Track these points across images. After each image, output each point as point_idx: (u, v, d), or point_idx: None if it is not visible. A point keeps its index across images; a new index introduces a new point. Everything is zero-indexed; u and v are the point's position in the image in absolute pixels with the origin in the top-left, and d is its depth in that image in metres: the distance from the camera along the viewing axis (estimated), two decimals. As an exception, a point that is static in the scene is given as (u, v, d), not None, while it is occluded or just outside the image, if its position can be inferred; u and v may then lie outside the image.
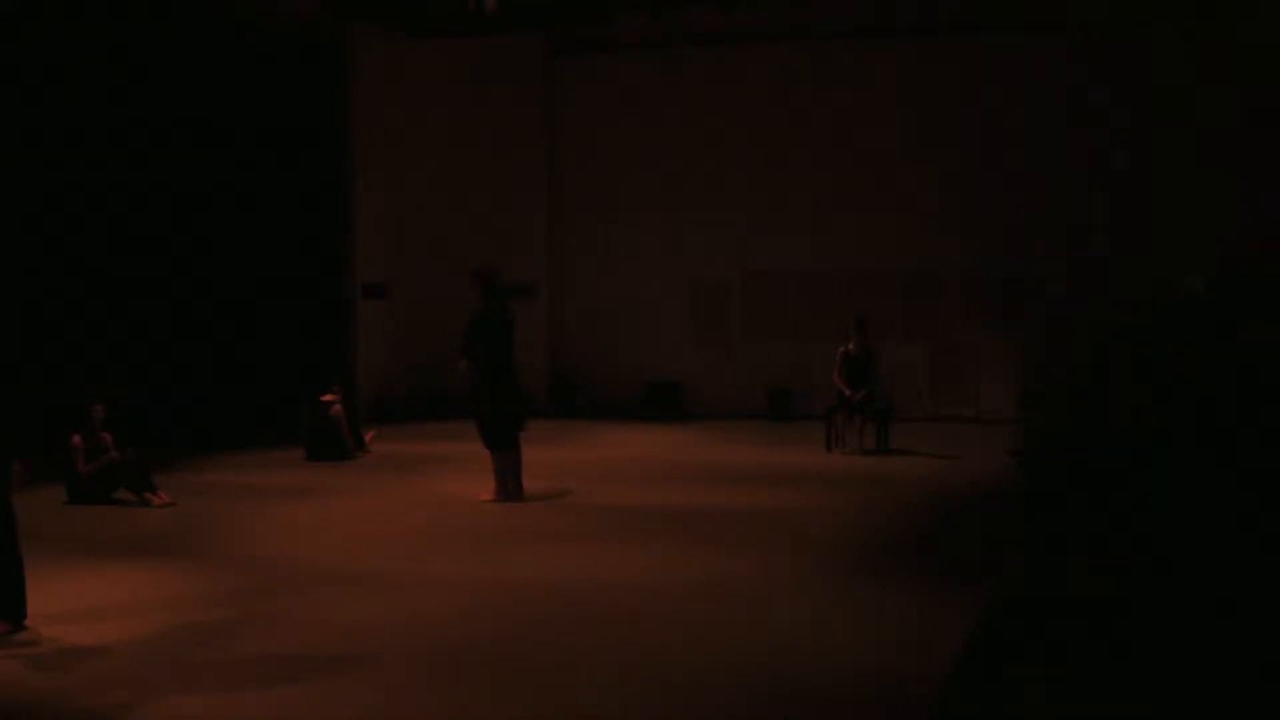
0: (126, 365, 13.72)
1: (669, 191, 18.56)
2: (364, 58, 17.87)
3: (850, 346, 14.29)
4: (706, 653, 6.37)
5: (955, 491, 11.49)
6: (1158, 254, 16.06)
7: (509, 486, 10.78)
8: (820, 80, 18.01)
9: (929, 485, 11.84)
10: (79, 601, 7.38)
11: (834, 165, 17.94)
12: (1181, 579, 5.96)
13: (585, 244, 19.01)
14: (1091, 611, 5.48)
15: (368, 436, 14.23)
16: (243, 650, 6.45)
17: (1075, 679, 4.76)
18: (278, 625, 6.95)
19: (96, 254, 13.87)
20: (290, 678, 6.00)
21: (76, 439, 10.76)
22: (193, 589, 7.76)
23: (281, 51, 16.23)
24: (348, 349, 17.62)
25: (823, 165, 17.98)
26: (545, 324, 18.80)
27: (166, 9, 14.53)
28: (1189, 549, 6.36)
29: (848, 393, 14.09)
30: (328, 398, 13.71)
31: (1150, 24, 16.59)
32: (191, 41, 14.93)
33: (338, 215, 17.62)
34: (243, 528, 9.80)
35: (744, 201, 18.28)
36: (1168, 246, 16.08)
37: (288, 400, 14.38)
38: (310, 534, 9.63)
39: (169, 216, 14.83)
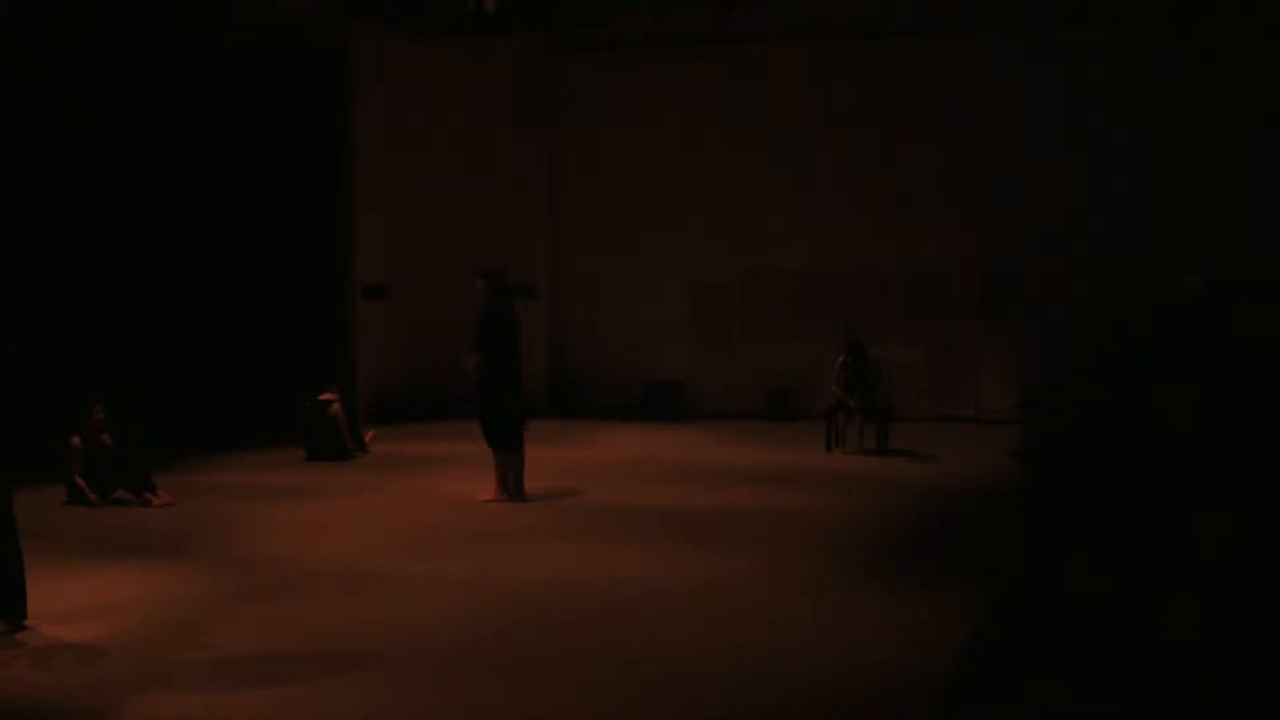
0: (126, 365, 13.71)
1: (669, 191, 18.55)
2: (364, 58, 17.86)
3: (848, 358, 14.32)
4: (706, 653, 6.37)
5: (955, 491, 11.50)
6: (1158, 254, 16.07)
7: (509, 486, 10.79)
8: (820, 80, 18.00)
9: (929, 485, 11.84)
10: (79, 601, 7.38)
11: (834, 165, 17.93)
12: (1182, 579, 5.96)
13: (585, 244, 18.99)
14: (1091, 611, 5.48)
15: (368, 436, 14.23)
16: (243, 650, 6.45)
17: (1075, 679, 4.76)
18: (277, 625, 6.95)
19: (96, 253, 13.86)
20: (290, 678, 6.00)
21: (76, 440, 10.75)
22: (193, 589, 7.76)
23: (281, 52, 16.22)
24: (348, 349, 17.61)
25: (823, 165, 17.97)
26: (545, 324, 18.78)
27: (166, 9, 14.52)
28: (1189, 549, 6.35)
29: (849, 403, 14.09)
30: (326, 397, 13.72)
31: (1150, 25, 16.60)
32: (191, 41, 14.93)
33: (338, 215, 17.61)
34: (243, 528, 9.80)
35: (744, 201, 18.27)
36: (1168, 246, 16.09)
37: (287, 400, 14.37)
38: (310, 534, 9.63)
39: (169, 216, 14.83)
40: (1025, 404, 15.43)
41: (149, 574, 8.18)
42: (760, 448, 14.69)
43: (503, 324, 10.59)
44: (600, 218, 18.89)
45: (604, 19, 18.55)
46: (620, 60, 18.82)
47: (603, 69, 18.90)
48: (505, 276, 10.88)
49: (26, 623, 6.71)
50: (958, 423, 16.99)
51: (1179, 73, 16.42)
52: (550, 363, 18.82)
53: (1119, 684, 4.69)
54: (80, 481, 10.72)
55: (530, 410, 11.50)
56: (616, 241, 18.82)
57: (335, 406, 13.64)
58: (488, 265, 11.18)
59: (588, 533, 9.59)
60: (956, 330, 17.68)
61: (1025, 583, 6.64)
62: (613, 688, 5.85)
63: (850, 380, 14.17)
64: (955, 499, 11.14)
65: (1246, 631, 5.14)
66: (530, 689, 5.84)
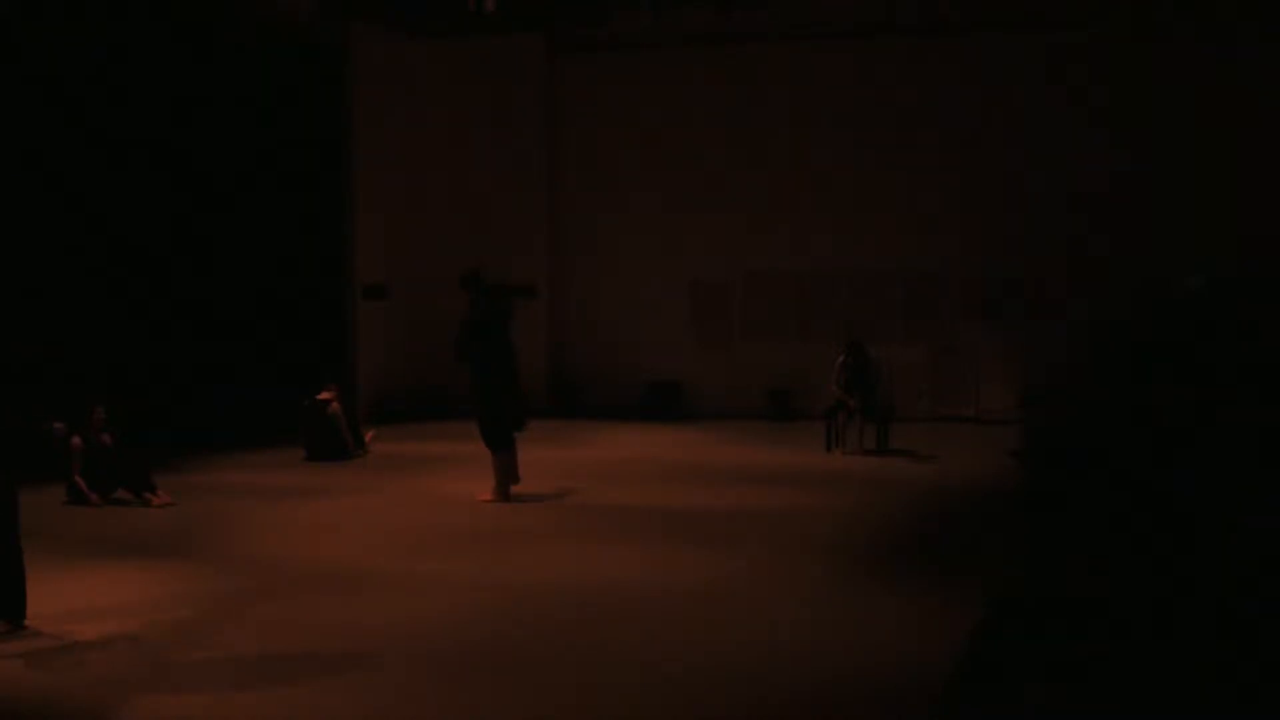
0: (126, 365, 13.71)
1: (669, 191, 18.55)
2: (364, 58, 17.85)
3: (848, 358, 14.32)
4: (706, 653, 6.37)
5: (955, 491, 11.49)
6: (1158, 254, 16.06)
7: (509, 486, 10.80)
8: (820, 80, 17.99)
9: (929, 485, 11.84)
10: (79, 601, 7.38)
11: (834, 165, 17.92)
12: (1181, 579, 5.96)
13: (585, 244, 18.99)
14: (1091, 611, 5.48)
15: (368, 436, 14.23)
16: (243, 650, 6.45)
17: (1075, 679, 4.76)
18: (277, 625, 6.95)
19: (96, 254, 13.86)
20: (290, 678, 6.00)
21: (76, 441, 10.74)
22: (193, 589, 7.76)
23: (281, 52, 16.21)
24: (348, 349, 17.61)
25: (823, 165, 17.96)
26: (545, 324, 18.78)
27: (167, 9, 14.53)
28: (1189, 549, 6.36)
29: (850, 403, 14.08)
30: (324, 396, 13.72)
31: (1150, 24, 16.59)
32: (192, 42, 14.93)
33: (337, 215, 17.61)
34: (243, 528, 9.80)
35: (744, 201, 18.26)
36: (1168, 246, 16.09)
37: (287, 400, 14.37)
38: (310, 534, 9.64)
39: (169, 216, 14.82)
40: (1025, 404, 15.44)
41: (149, 574, 8.18)
42: (760, 448, 14.69)
43: (490, 323, 10.61)
44: (600, 218, 18.89)
45: (604, 19, 18.55)
46: (620, 60, 18.81)
47: (603, 69, 18.90)
48: (481, 275, 10.96)
49: (26, 623, 6.71)
50: (958, 423, 16.99)
51: (1179, 73, 16.41)
52: (550, 363, 18.82)
53: (1119, 684, 4.69)
54: (80, 481, 10.72)
55: (530, 410, 11.49)
56: (616, 241, 18.81)
57: (334, 405, 13.64)
58: (466, 268, 11.24)
59: (588, 533, 9.59)
60: (956, 330, 17.68)
61: (1025, 583, 6.64)
62: (613, 688, 5.85)
63: (850, 380, 14.17)
64: (955, 499, 11.14)
65: (1247, 632, 5.14)
66: (530, 689, 5.84)
